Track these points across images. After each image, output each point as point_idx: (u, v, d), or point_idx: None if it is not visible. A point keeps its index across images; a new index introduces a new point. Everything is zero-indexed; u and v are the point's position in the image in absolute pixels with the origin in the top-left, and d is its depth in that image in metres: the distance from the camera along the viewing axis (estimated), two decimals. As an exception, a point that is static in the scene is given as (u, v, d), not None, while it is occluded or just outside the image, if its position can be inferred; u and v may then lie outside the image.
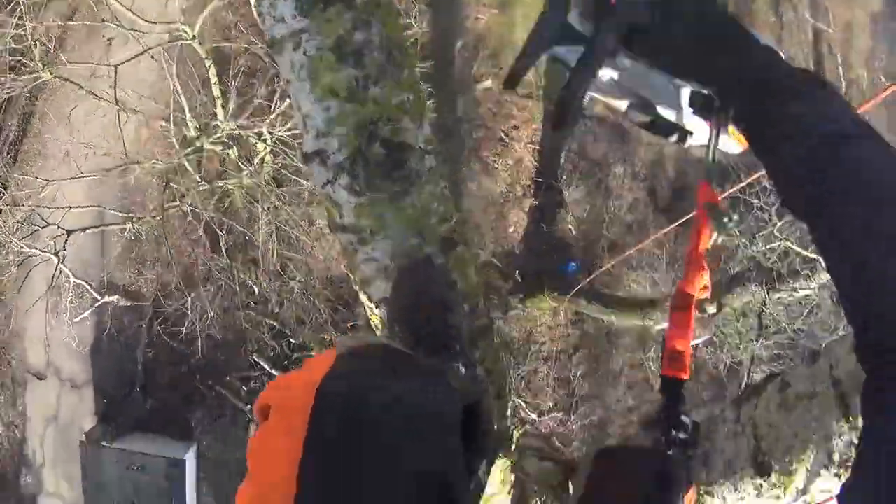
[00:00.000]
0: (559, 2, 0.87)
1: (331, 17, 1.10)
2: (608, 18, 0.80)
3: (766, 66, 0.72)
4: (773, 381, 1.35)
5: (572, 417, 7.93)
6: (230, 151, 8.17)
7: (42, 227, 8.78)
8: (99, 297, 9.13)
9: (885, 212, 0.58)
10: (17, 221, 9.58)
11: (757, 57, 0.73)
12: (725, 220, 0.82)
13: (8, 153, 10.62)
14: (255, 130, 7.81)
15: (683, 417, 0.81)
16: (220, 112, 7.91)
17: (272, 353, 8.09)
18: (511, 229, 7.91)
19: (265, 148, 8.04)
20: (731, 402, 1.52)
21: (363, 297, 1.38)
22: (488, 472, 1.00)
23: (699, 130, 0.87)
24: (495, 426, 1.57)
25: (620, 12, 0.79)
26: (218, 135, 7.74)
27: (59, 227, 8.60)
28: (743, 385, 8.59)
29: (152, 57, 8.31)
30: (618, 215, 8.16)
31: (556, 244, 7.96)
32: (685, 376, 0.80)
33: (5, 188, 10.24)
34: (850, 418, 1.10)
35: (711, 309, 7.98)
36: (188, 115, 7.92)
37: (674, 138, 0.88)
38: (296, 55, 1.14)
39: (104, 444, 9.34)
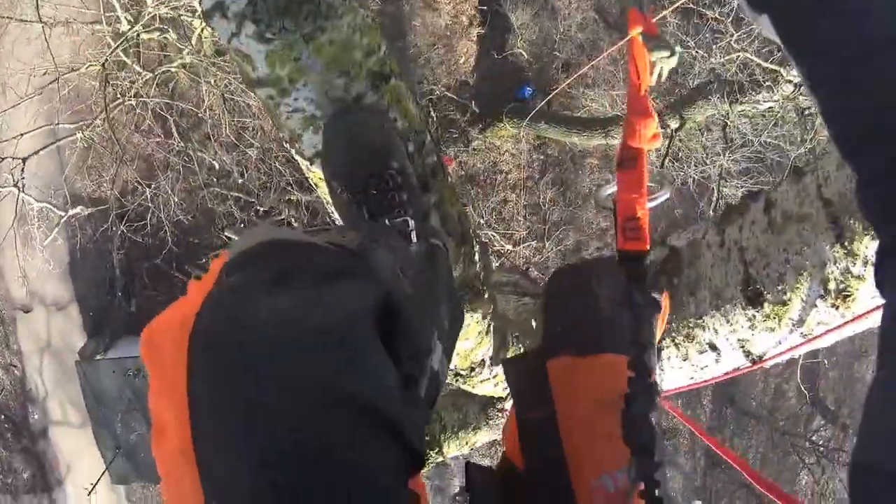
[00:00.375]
0: None
1: None
2: None
3: None
4: (757, 200, 1.21)
5: (547, 244, 7.97)
6: (167, 35, 7.95)
7: None
8: (63, 214, 9.02)
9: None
10: None
11: None
12: (667, 53, 0.69)
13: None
14: (188, 7, 7.56)
15: (654, 295, 0.71)
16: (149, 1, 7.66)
17: (242, 225, 8.05)
18: (462, 60, 7.75)
19: (201, 23, 7.80)
20: (712, 224, 1.38)
21: (295, 155, 1.23)
22: (449, 357, 0.81)
23: None
24: (456, 275, 1.37)
25: None
26: (151, 22, 7.51)
27: (13, 158, 8.44)
28: (714, 200, 8.63)
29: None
30: (568, 35, 8.00)
31: (509, 70, 7.83)
32: (645, 247, 0.70)
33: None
34: (846, 243, 0.96)
35: (674, 124, 7.93)
36: (119, 11, 7.68)
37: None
38: None
39: (97, 356, 9.40)
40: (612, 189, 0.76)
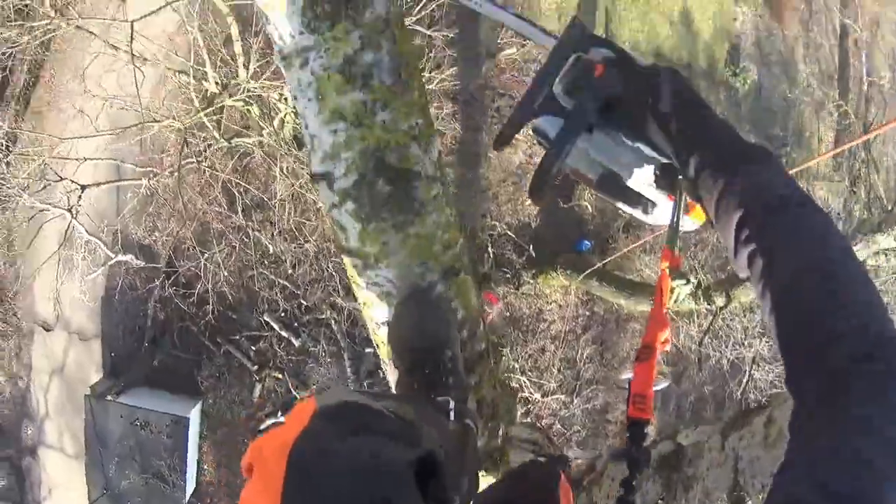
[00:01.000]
0: (546, 75, 0.97)
1: (338, 35, 1.04)
2: (590, 92, 0.91)
3: (731, 137, 0.84)
4: (761, 414, 1.37)
5: (575, 400, 7.95)
6: (251, 109, 8.14)
7: (56, 182, 8.68)
8: (112, 255, 9.08)
9: (818, 256, 0.71)
10: (29, 177, 9.41)
11: (721, 127, 0.85)
12: (683, 282, 0.95)
13: (17, 104, 10.51)
14: (277, 92, 7.78)
15: (650, 450, 0.91)
16: (241, 71, 7.86)
17: (282, 314, 8.11)
18: (528, 202, 7.89)
19: (286, 108, 8.01)
20: (719, 430, 1.56)
21: (366, 317, 1.39)
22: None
23: (661, 205, 0.98)
24: (481, 444, 1.60)
25: (601, 84, 0.90)
26: (240, 94, 7.69)
27: (73, 181, 8.46)
28: (744, 382, 8.63)
29: (173, 9, 8.24)
30: (635, 197, 8.14)
31: (572, 220, 7.95)
32: (648, 416, 0.88)
33: (14, 141, 10.14)
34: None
35: (720, 301, 7.97)
36: (209, 70, 7.85)
37: (639, 209, 0.99)
38: (303, 73, 1.09)
39: (109, 398, 9.39)
40: (628, 375, 0.90)
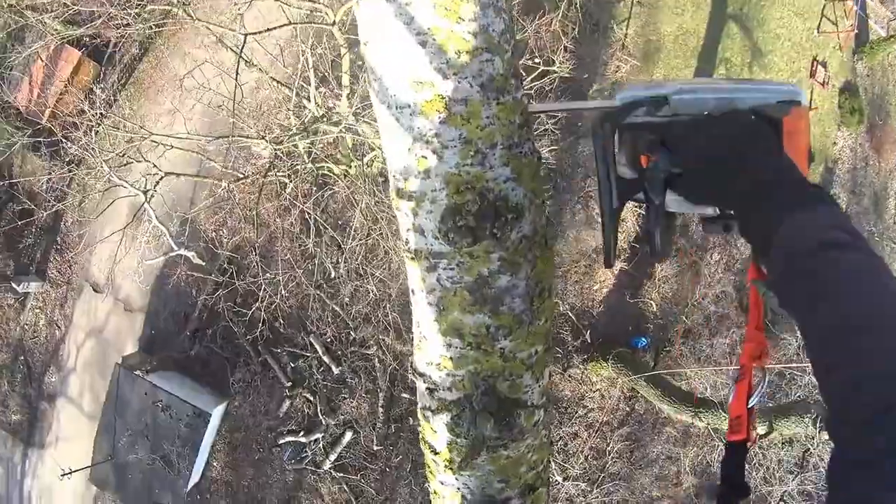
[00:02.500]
0: (605, 167, 0.97)
1: (477, 253, 0.96)
2: (649, 173, 0.93)
3: (777, 181, 0.82)
4: None
5: (595, 491, 7.83)
6: (347, 136, 8.15)
7: (137, 162, 8.71)
8: (175, 248, 9.08)
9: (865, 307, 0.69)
10: (113, 148, 9.44)
11: (768, 170, 0.84)
12: (772, 293, 0.88)
13: (121, 74, 10.80)
14: (374, 130, 7.81)
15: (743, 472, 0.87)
16: (344, 101, 7.94)
17: (329, 340, 8.16)
18: (595, 287, 7.84)
19: (380, 149, 8.04)
20: None
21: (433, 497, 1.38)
22: None
23: None
24: None
25: (650, 176, 0.92)
26: (338, 124, 7.73)
27: (155, 166, 8.41)
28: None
29: (291, 22, 8.35)
30: (701, 303, 8.03)
31: (633, 314, 7.88)
32: (745, 437, 0.86)
33: (110, 106, 10.36)
34: None
35: (761, 430, 7.78)
36: (313, 91, 7.93)
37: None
38: (429, 276, 1.01)
39: (138, 372, 9.54)
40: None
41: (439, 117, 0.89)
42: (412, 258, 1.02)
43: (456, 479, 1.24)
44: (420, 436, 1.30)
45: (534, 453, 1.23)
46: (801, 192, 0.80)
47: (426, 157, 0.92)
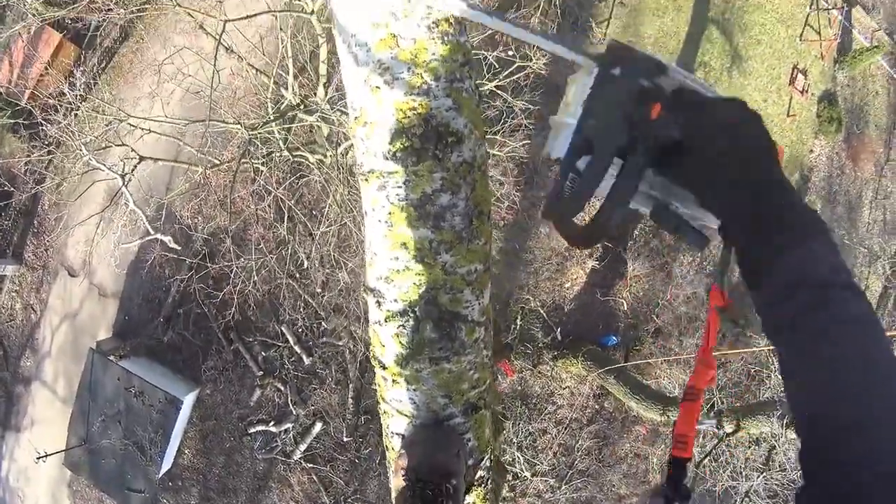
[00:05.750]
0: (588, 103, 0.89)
1: (421, 171, 1.05)
2: (644, 139, 0.82)
3: (779, 205, 0.78)
4: None
5: (563, 487, 7.88)
6: (321, 127, 8.18)
7: (116, 146, 8.71)
8: (152, 232, 9.05)
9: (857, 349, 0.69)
10: (93, 134, 9.40)
11: (771, 194, 0.79)
12: (733, 325, 0.87)
13: (100, 62, 10.71)
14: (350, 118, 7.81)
15: (685, 484, 0.91)
16: (321, 90, 7.93)
17: (300, 330, 8.15)
18: (567, 285, 7.87)
19: (356, 138, 8.05)
20: None
21: (383, 422, 1.45)
22: None
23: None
24: None
25: (658, 127, 0.81)
26: (313, 112, 7.74)
27: (132, 150, 8.43)
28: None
29: (274, 16, 8.33)
30: (672, 304, 8.08)
31: (604, 313, 7.92)
32: (688, 455, 0.90)
33: (90, 89, 10.28)
34: None
35: (729, 427, 7.87)
36: (291, 80, 7.92)
37: (696, 246, 0.91)
38: (378, 195, 1.11)
39: (111, 358, 9.51)
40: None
41: (391, 53, 0.99)
42: (365, 180, 1.12)
43: (402, 395, 1.30)
44: (371, 354, 1.37)
45: (476, 371, 1.31)
46: (809, 222, 0.76)
47: (379, 88, 1.02)
